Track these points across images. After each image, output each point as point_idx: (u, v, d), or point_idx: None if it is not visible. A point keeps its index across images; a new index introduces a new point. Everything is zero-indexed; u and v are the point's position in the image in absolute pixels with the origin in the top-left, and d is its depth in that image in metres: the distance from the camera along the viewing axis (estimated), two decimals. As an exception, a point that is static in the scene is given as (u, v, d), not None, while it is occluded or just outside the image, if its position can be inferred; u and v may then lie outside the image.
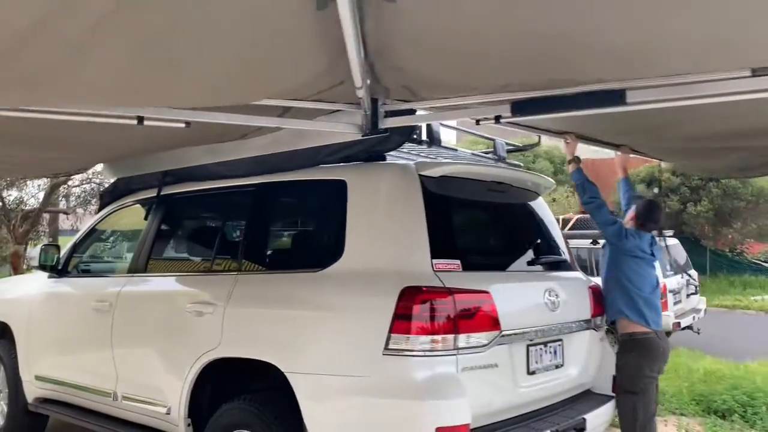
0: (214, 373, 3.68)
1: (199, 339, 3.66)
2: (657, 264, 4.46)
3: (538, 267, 3.76)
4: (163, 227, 4.46)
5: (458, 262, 3.19)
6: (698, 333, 10.95)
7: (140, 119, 3.04)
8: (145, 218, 4.55)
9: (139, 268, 4.41)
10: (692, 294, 11.62)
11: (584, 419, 3.56)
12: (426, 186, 3.32)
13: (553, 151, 36.28)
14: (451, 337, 2.96)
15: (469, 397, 2.90)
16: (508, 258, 3.70)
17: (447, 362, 2.93)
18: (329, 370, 3.11)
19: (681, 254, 12.03)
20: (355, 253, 3.30)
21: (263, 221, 3.95)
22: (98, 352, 4.39)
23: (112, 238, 5.14)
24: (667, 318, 10.42)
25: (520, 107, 3.10)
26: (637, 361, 3.94)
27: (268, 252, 3.79)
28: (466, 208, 3.61)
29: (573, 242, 11.39)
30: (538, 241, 4.03)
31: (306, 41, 2.53)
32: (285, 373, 3.21)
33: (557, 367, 3.62)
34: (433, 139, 3.72)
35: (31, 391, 4.94)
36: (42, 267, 4.93)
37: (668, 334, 10.87)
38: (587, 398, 3.97)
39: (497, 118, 3.18)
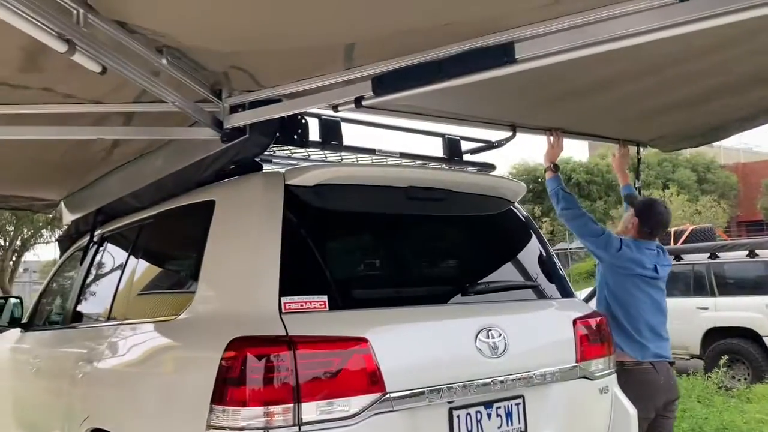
0: None
1: (77, 406, 3.04)
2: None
3: (480, 298, 2.75)
4: (91, 272, 3.92)
5: (324, 298, 2.31)
6: None
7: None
8: (80, 263, 4.06)
9: (67, 319, 3.91)
10: None
11: None
12: (297, 198, 2.49)
13: (696, 158, 32.66)
14: (290, 406, 2.08)
15: None
16: (425, 288, 2.70)
17: None
18: None
19: None
20: (206, 293, 2.52)
21: (145, 259, 3.27)
22: (31, 417, 3.93)
23: (65, 286, 4.71)
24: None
25: (383, 83, 2.24)
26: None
27: (145, 296, 3.10)
28: (363, 223, 2.69)
29: (688, 257, 9.75)
30: (489, 263, 2.98)
31: None
32: None
33: (515, 436, 2.59)
34: (329, 137, 2.84)
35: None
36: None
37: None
38: None
39: (357, 101, 2.33)
